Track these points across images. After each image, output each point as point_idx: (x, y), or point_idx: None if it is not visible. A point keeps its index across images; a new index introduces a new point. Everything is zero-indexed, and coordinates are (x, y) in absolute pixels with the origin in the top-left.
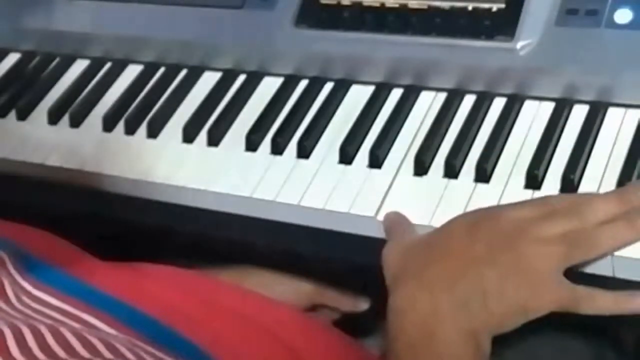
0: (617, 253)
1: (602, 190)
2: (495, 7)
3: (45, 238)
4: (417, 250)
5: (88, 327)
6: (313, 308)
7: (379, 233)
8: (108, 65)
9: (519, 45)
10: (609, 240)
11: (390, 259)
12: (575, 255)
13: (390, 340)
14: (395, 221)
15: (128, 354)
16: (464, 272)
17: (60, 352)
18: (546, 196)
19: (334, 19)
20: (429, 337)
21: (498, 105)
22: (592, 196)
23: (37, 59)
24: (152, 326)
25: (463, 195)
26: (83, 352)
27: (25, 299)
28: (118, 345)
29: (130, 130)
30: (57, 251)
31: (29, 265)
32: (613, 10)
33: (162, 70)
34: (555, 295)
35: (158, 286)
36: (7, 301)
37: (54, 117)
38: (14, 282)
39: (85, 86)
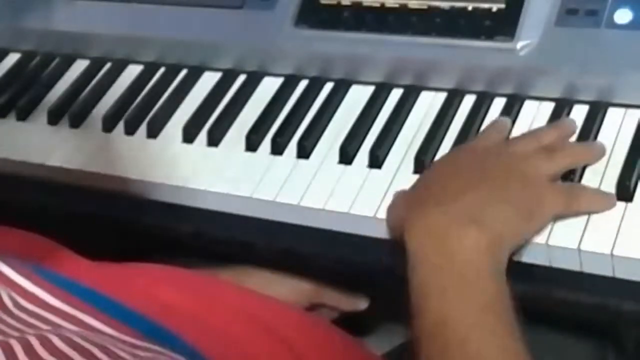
0: (616, 253)
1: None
2: (495, 7)
3: (36, 240)
4: (416, 192)
5: (87, 329)
6: (312, 307)
7: (379, 233)
8: (108, 65)
9: (519, 45)
10: (574, 149)
11: (393, 210)
12: (555, 158)
13: (411, 273)
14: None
15: (128, 357)
16: (466, 188)
17: None
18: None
19: (334, 19)
20: (448, 255)
21: (498, 105)
22: (536, 128)
23: (37, 59)
24: (149, 325)
25: None
26: (78, 358)
27: (22, 301)
28: (117, 350)
29: (130, 130)
30: (50, 254)
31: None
32: (613, 10)
33: (162, 70)
34: (555, 195)
35: (153, 286)
36: (4, 308)
37: (54, 117)
38: (11, 283)
39: (85, 86)
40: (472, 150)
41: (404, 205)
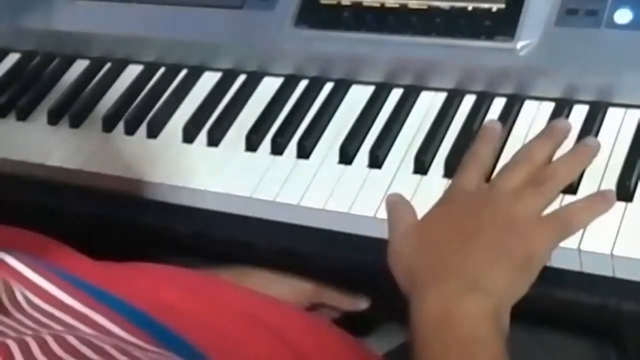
0: (616, 253)
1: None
2: (495, 7)
3: (42, 241)
4: (418, 255)
5: (101, 331)
6: (313, 307)
7: (378, 233)
8: (108, 65)
9: (519, 45)
10: (564, 170)
11: (398, 266)
12: (544, 191)
13: (414, 331)
14: (396, 206)
15: (142, 357)
16: (464, 252)
17: (70, 359)
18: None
19: (334, 19)
20: (450, 326)
21: (498, 105)
22: (530, 142)
23: (37, 59)
24: (155, 326)
25: None
26: (94, 357)
27: (35, 300)
28: (130, 350)
29: (130, 130)
30: (56, 254)
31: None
32: (613, 10)
33: (162, 70)
34: (545, 231)
35: (155, 285)
36: (18, 307)
37: (54, 117)
38: (24, 280)
39: (85, 86)
40: (460, 200)
41: (408, 265)
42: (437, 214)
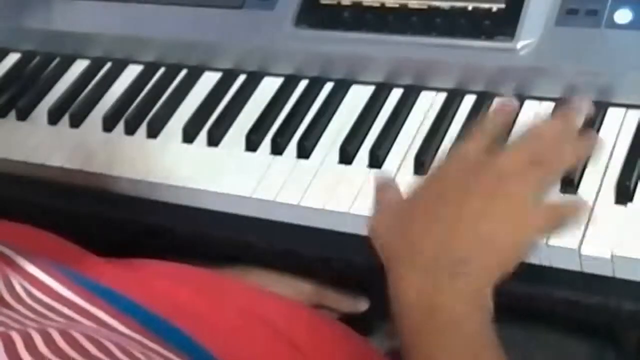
0: (616, 253)
1: (603, 191)
2: (495, 7)
3: (48, 238)
4: (399, 227)
5: (102, 326)
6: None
7: None
8: (108, 65)
9: (519, 45)
10: (569, 152)
11: (378, 235)
12: (543, 172)
13: (398, 328)
14: (383, 188)
15: (142, 357)
16: (450, 232)
17: (73, 354)
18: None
19: (334, 19)
20: (429, 313)
21: None
22: (537, 122)
23: (37, 59)
24: (162, 326)
25: None
26: (97, 354)
27: (36, 292)
28: (131, 349)
29: (130, 130)
30: (62, 251)
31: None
32: (613, 10)
33: (162, 70)
34: (538, 218)
35: (165, 284)
36: (18, 298)
37: (54, 117)
38: (24, 273)
39: (85, 86)
40: (452, 171)
41: (389, 238)
42: (423, 187)
